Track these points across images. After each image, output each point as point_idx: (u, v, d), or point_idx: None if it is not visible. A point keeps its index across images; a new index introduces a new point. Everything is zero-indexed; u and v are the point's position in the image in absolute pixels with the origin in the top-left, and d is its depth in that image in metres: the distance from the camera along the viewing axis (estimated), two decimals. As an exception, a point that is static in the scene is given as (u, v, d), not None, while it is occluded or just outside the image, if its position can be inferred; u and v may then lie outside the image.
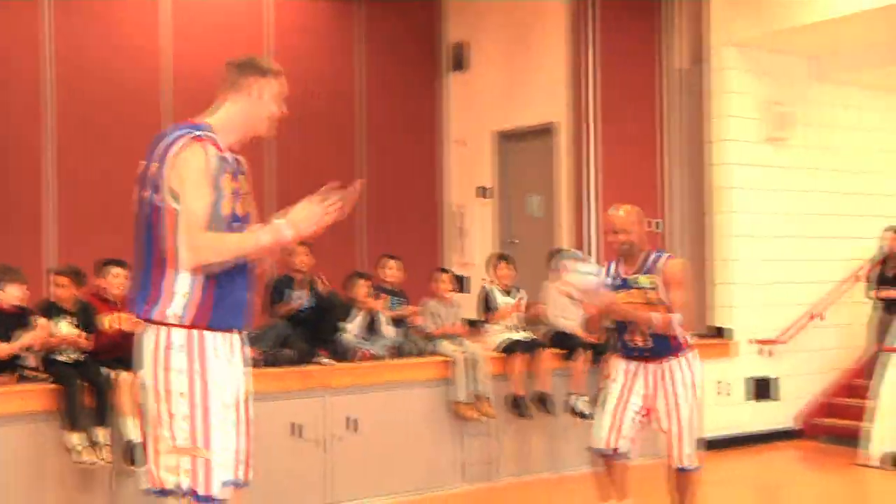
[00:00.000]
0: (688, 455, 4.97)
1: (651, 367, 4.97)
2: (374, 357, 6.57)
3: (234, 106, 3.41)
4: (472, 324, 7.41)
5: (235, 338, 3.43)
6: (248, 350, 3.53)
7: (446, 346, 6.91)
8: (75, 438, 5.29)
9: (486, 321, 7.26)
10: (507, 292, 7.35)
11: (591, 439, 5.14)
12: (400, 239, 10.09)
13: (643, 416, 5.02)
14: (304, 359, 6.31)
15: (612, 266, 5.04)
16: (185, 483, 3.27)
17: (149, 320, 3.28)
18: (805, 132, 8.76)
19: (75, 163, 8.24)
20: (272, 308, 6.64)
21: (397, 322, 6.98)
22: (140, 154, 3.40)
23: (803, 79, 8.82)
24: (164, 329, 3.26)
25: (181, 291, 3.25)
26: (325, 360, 6.35)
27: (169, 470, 3.27)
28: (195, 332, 3.27)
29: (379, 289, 7.03)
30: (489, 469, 6.93)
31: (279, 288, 6.72)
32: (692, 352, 5.03)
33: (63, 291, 5.62)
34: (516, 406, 6.95)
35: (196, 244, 3.20)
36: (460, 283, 8.84)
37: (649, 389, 4.99)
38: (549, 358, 7.02)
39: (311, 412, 6.22)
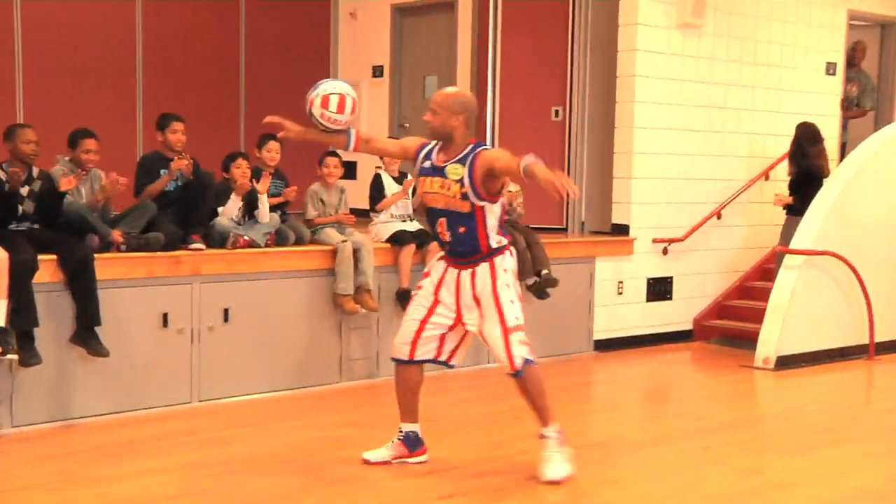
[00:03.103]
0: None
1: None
2: (251, 244, 6.58)
3: None
4: (361, 213, 7.48)
5: None
6: None
7: (330, 234, 6.95)
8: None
9: (376, 209, 7.34)
10: (398, 179, 7.42)
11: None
12: (284, 119, 9.98)
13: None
14: (175, 244, 6.27)
15: (434, 149, 4.86)
16: None
17: None
18: (720, 20, 8.90)
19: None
20: (139, 188, 6.57)
21: (277, 208, 6.98)
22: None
23: (721, -37, 8.96)
24: None
25: None
26: (197, 246, 6.33)
27: None
28: None
29: (259, 172, 7.00)
30: (369, 365, 7.09)
31: (148, 166, 6.63)
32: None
33: None
34: (402, 299, 7.10)
35: None
36: (349, 169, 8.86)
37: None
38: (438, 250, 7.12)
39: (180, 301, 6.23)
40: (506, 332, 4.78)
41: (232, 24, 10.10)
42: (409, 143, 5.08)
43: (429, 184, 4.85)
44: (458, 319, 4.89)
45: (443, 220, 4.82)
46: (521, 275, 7.47)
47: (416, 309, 4.98)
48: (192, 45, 9.84)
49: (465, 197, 4.74)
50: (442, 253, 5.01)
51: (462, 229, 4.78)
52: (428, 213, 4.96)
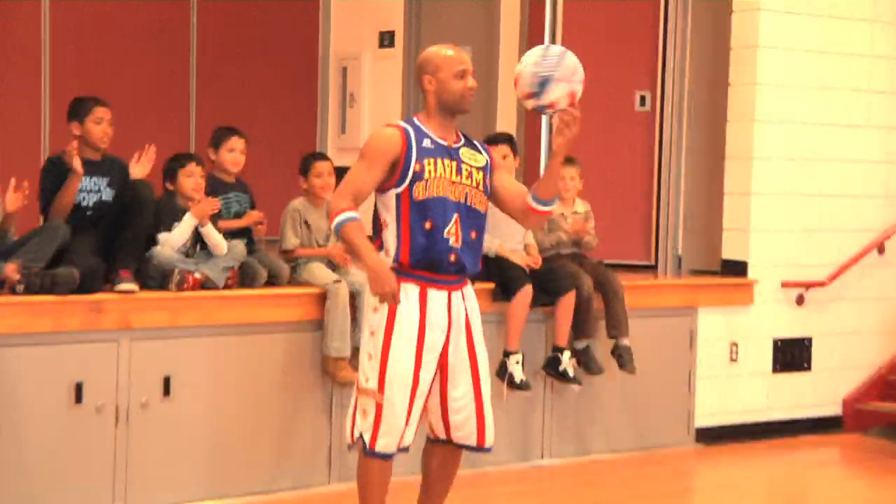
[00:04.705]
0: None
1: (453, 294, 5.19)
2: (204, 284, 6.59)
3: None
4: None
5: None
6: None
7: (317, 271, 6.96)
8: None
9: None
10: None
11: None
12: (253, 108, 10.03)
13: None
14: (95, 283, 6.28)
15: (419, 126, 5.14)
16: None
17: None
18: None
19: None
20: (46, 203, 6.57)
21: (241, 234, 7.01)
22: None
23: None
24: None
25: None
26: (127, 286, 6.33)
27: None
28: None
29: (214, 180, 7.03)
30: (374, 460, 7.04)
31: (56, 172, 6.63)
32: None
33: None
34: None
35: None
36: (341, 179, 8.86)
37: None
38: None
39: (101, 366, 6.23)
40: (487, 391, 5.31)
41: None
42: (382, 146, 5.08)
43: (440, 166, 5.07)
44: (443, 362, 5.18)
45: (457, 216, 5.07)
46: (580, 333, 7.42)
47: (401, 364, 5.08)
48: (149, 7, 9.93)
49: (486, 192, 5.17)
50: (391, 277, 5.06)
51: (474, 234, 5.15)
52: (428, 207, 5.05)
